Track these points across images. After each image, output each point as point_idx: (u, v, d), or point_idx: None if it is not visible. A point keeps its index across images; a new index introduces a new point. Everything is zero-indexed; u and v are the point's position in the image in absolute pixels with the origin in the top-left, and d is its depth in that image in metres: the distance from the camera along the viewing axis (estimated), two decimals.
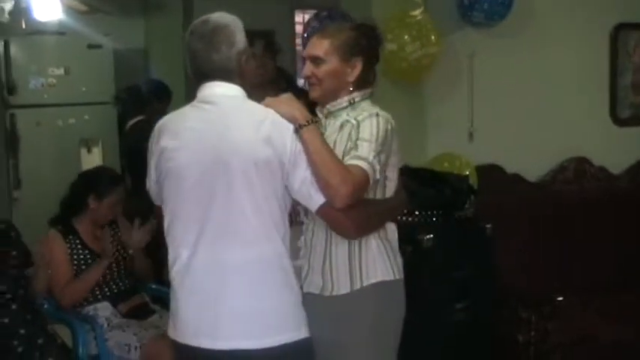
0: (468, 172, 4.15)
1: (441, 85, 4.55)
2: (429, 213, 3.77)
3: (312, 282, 2.50)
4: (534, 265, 4.20)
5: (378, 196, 2.49)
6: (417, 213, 3.74)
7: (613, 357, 3.67)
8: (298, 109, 2.36)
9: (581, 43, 4.87)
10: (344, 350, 2.46)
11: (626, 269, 4.49)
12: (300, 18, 7.25)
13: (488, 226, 3.86)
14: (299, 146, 2.32)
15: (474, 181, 4.17)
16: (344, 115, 2.50)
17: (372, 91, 2.58)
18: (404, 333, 2.55)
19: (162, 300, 4.01)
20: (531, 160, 4.80)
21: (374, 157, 2.34)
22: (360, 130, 2.41)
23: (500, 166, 4.67)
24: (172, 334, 2.47)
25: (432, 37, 4.16)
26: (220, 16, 2.44)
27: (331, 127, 2.52)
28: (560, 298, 3.73)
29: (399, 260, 2.56)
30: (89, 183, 3.89)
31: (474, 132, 4.61)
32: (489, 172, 4.54)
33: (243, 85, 2.44)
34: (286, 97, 2.43)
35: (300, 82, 4.74)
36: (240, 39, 2.42)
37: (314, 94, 2.56)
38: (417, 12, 4.18)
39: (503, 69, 4.65)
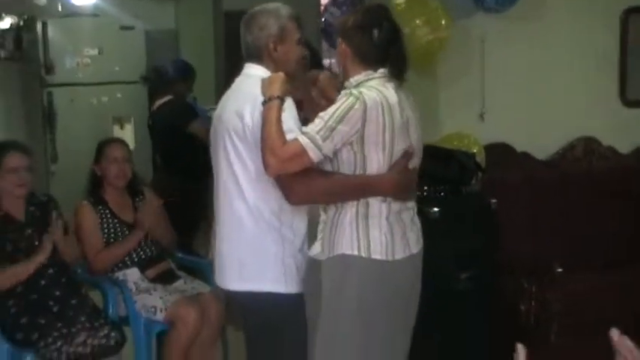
0: (475, 150, 4.27)
1: (454, 68, 4.64)
2: (437, 187, 3.82)
3: (314, 247, 2.62)
4: (538, 239, 4.28)
5: (358, 173, 2.52)
6: (425, 187, 3.77)
7: (602, 329, 3.81)
8: (274, 86, 2.51)
9: (591, 26, 4.92)
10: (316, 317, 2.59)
11: (630, 247, 4.54)
12: None
13: (493, 200, 3.97)
14: None
15: (482, 158, 4.26)
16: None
17: (381, 72, 2.60)
18: None
19: (187, 268, 4.22)
20: (541, 140, 4.87)
21: (318, 132, 2.40)
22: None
23: (510, 145, 4.75)
24: None
25: (443, 22, 4.27)
26: (265, 6, 2.73)
27: None
28: (560, 270, 3.84)
29: (383, 239, 2.52)
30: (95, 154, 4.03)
31: (485, 113, 4.71)
32: (499, 151, 4.62)
33: (276, 67, 2.66)
34: (274, 76, 2.58)
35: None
36: (274, 25, 2.66)
37: None
38: None
39: (514, 52, 4.74)
